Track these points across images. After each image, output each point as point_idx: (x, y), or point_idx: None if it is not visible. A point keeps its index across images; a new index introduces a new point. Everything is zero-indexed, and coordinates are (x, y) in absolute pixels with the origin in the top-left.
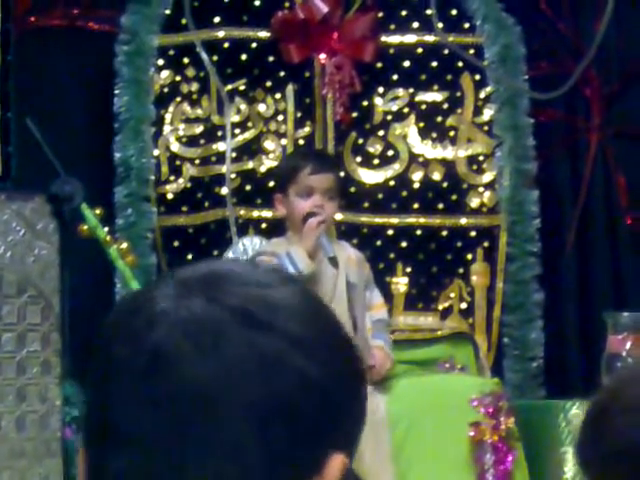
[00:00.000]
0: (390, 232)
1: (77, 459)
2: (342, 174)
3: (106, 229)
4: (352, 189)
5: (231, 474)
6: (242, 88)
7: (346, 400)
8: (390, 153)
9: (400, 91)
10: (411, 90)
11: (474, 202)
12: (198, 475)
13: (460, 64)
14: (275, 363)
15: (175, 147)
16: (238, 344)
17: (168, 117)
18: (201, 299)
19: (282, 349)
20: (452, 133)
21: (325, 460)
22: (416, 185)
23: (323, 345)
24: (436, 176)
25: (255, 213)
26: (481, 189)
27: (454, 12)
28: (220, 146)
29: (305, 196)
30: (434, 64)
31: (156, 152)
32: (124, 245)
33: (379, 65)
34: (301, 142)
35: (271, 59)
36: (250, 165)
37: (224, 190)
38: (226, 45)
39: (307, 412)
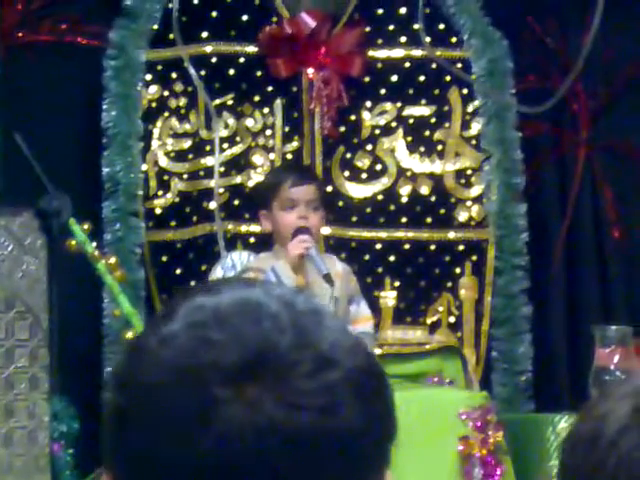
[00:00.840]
0: (378, 246)
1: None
2: (330, 188)
3: (94, 244)
4: (340, 203)
5: None
6: (230, 103)
7: (394, 421)
8: (378, 167)
9: (388, 105)
10: (399, 104)
11: (462, 216)
12: None
13: (448, 78)
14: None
15: (163, 162)
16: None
17: (156, 132)
18: (272, 402)
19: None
20: (440, 147)
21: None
22: (404, 199)
23: (377, 388)
24: (424, 190)
25: (243, 228)
26: (469, 203)
27: (442, 26)
28: (208, 161)
29: (288, 209)
30: (422, 78)
31: (144, 167)
32: (112, 260)
33: (367, 79)
34: (289, 156)
35: (259, 74)
36: (238, 180)
37: (212, 205)
38: (214, 60)
39: (369, 451)
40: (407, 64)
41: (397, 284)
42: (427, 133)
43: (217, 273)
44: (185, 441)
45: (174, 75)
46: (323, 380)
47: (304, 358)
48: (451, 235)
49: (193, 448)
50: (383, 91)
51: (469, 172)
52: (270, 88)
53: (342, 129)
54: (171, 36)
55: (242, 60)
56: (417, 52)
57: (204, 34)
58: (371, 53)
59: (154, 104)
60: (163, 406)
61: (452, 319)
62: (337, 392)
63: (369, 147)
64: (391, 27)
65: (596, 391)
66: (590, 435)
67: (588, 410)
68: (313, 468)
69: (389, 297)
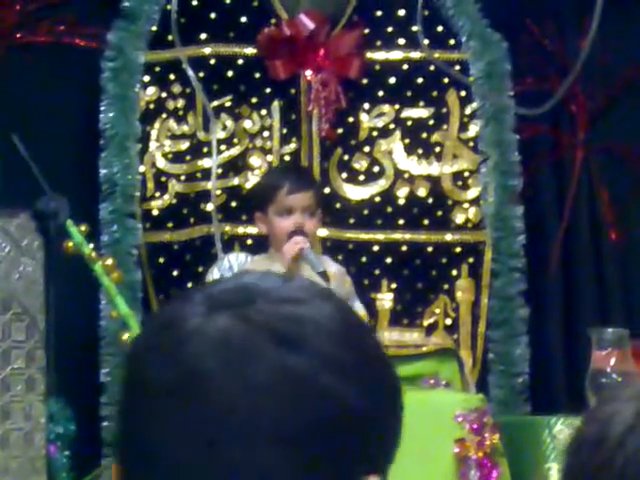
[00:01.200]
0: (375, 248)
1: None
2: (327, 190)
3: (91, 245)
4: (337, 205)
5: None
6: (228, 104)
7: (382, 420)
8: (376, 169)
9: (386, 107)
10: (397, 106)
11: (459, 218)
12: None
13: (446, 80)
14: (305, 383)
15: (161, 163)
16: (267, 364)
17: (154, 133)
18: (230, 316)
19: (313, 369)
20: (438, 149)
21: None
22: (401, 201)
23: (356, 364)
24: (421, 192)
25: (241, 229)
26: (466, 205)
27: (440, 29)
28: (206, 162)
29: (285, 215)
30: (420, 80)
31: (142, 168)
32: (109, 261)
33: (365, 81)
34: (287, 158)
35: (257, 75)
36: (236, 181)
37: (210, 206)
38: (212, 62)
39: (340, 433)
40: (405, 66)
41: (394, 286)
42: (425, 135)
43: (214, 275)
44: (144, 346)
45: (172, 76)
46: (289, 310)
47: (279, 293)
48: (448, 237)
49: (146, 355)
50: (381, 93)
51: (466, 174)
52: (268, 90)
53: (340, 131)
54: (169, 37)
55: (240, 62)
56: (415, 54)
57: (202, 36)
58: (369, 55)
59: (152, 105)
60: (154, 321)
61: (449, 321)
62: (300, 326)
63: (367, 149)
64: (389, 29)
65: (593, 394)
66: (596, 436)
67: (593, 412)
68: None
69: (386, 299)
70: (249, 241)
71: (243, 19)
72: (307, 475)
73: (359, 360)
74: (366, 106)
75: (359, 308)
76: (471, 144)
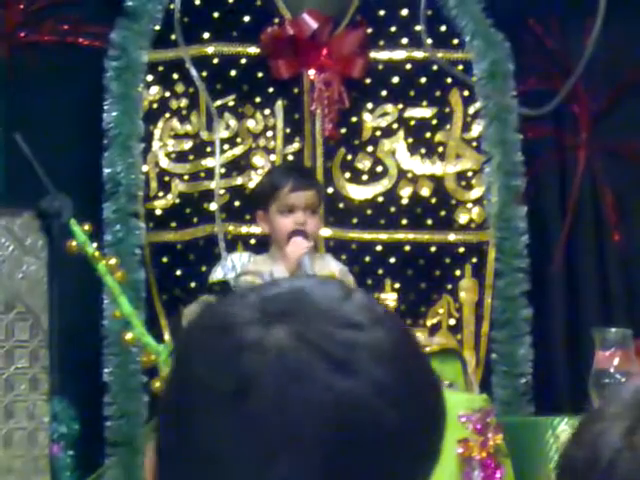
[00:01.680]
0: (379, 248)
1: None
2: (330, 190)
3: (95, 245)
4: (341, 205)
5: None
6: (231, 104)
7: (420, 444)
8: (379, 169)
9: (389, 107)
10: (400, 106)
11: (463, 218)
12: None
13: (449, 80)
14: (352, 405)
15: (164, 163)
16: (319, 386)
17: (157, 133)
18: (287, 331)
19: (361, 394)
20: (441, 149)
21: None
22: (405, 201)
23: (404, 390)
24: (425, 192)
25: (244, 229)
26: (470, 205)
27: (443, 28)
28: (209, 162)
29: (287, 213)
30: (423, 80)
31: (145, 168)
32: (113, 261)
33: (368, 81)
34: (290, 158)
35: (260, 75)
36: (239, 181)
37: (213, 206)
38: (215, 61)
39: (377, 452)
40: (408, 66)
41: (397, 286)
42: (428, 135)
43: (217, 274)
44: (199, 349)
45: (175, 76)
46: (345, 335)
47: (337, 313)
48: (451, 237)
49: (201, 358)
50: (384, 93)
51: (470, 174)
52: (271, 89)
53: (343, 131)
54: (173, 37)
55: (244, 61)
56: (418, 54)
57: (206, 35)
58: (372, 55)
59: (155, 105)
60: (205, 321)
61: (452, 321)
62: (355, 352)
63: (370, 149)
64: (393, 29)
65: (596, 394)
66: (585, 462)
67: (579, 434)
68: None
69: (389, 299)
70: (252, 241)
71: (246, 18)
72: None
73: (407, 386)
74: (369, 106)
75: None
76: (474, 144)
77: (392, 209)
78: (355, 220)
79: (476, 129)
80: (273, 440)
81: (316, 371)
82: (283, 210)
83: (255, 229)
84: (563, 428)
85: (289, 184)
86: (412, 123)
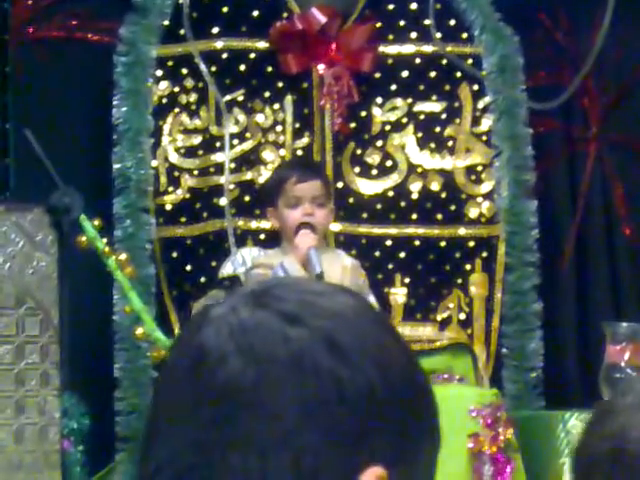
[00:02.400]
0: (389, 243)
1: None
2: (340, 185)
3: (105, 240)
4: (350, 200)
5: (257, 478)
6: (240, 99)
7: (394, 412)
8: (388, 163)
9: (398, 101)
10: (409, 100)
11: (473, 212)
12: (226, 473)
13: (458, 74)
14: (311, 367)
15: (174, 158)
16: (274, 343)
17: (166, 128)
18: (251, 306)
19: (320, 353)
20: (450, 143)
21: (359, 471)
22: (415, 195)
23: (369, 354)
24: (435, 186)
25: (254, 224)
26: (480, 199)
27: (452, 22)
28: (219, 157)
29: (294, 206)
30: (432, 74)
31: (154, 163)
32: (123, 256)
33: (377, 75)
34: (299, 153)
35: (269, 70)
36: (249, 176)
37: (223, 201)
38: (225, 56)
39: (341, 420)
40: (418, 60)
41: (407, 280)
42: (437, 129)
43: (227, 269)
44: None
45: (184, 71)
46: (303, 299)
47: (296, 290)
48: (461, 231)
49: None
50: (394, 87)
51: (479, 168)
52: (281, 84)
53: (352, 125)
54: (182, 32)
55: (253, 56)
56: (428, 48)
57: (215, 30)
58: (382, 49)
59: (164, 100)
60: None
61: (462, 316)
62: (308, 309)
63: (379, 143)
64: (402, 23)
65: (607, 388)
66: (609, 454)
67: (601, 426)
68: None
69: (399, 293)
70: (262, 236)
71: (255, 13)
72: (304, 458)
73: (371, 350)
74: (379, 100)
75: (373, 303)
76: (484, 138)
77: (402, 204)
78: (365, 215)
79: (486, 123)
80: (227, 414)
81: (274, 331)
82: (290, 203)
83: (265, 224)
84: (573, 422)
85: (293, 176)
86: (422, 117)
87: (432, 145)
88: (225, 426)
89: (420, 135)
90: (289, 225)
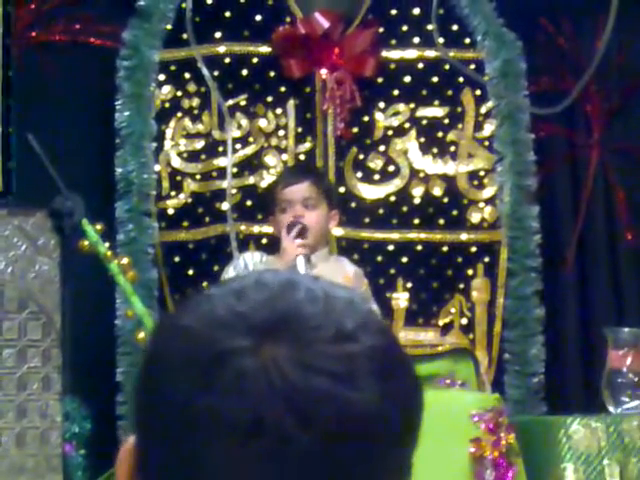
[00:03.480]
0: (391, 247)
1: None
2: (342, 190)
3: (107, 244)
4: (353, 205)
5: None
6: (243, 103)
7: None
8: (391, 168)
9: (401, 106)
10: (412, 105)
11: (475, 217)
12: None
13: (461, 79)
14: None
15: (176, 162)
16: (332, 412)
17: (169, 132)
18: (290, 360)
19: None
20: (453, 148)
21: None
22: (417, 200)
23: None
24: (437, 191)
25: (256, 228)
26: (482, 204)
27: (455, 27)
28: (221, 161)
29: (285, 210)
30: (435, 79)
31: (157, 167)
32: (125, 260)
33: (380, 80)
34: (302, 157)
35: (272, 74)
36: (251, 180)
37: (225, 205)
38: (227, 60)
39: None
40: (420, 65)
41: (409, 285)
42: (440, 134)
43: (229, 274)
44: (197, 383)
45: (187, 75)
46: (343, 350)
47: (327, 327)
48: (463, 237)
49: (203, 391)
50: (396, 92)
51: (482, 173)
52: (283, 89)
53: (355, 130)
54: (184, 36)
55: (255, 60)
56: (430, 53)
57: (217, 34)
58: (384, 54)
59: (167, 104)
60: (186, 347)
61: (464, 321)
62: (355, 363)
63: (382, 148)
64: (405, 28)
65: (609, 393)
66: None
67: None
68: (321, 437)
69: (401, 298)
70: (264, 240)
71: (258, 17)
72: None
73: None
74: (381, 105)
75: (375, 310)
76: (486, 143)
77: (404, 208)
78: (367, 219)
79: (488, 128)
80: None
81: (329, 398)
82: (282, 208)
83: (267, 228)
84: (575, 428)
85: (282, 181)
86: (424, 122)
87: (434, 150)
88: None
89: (422, 140)
90: (280, 229)
